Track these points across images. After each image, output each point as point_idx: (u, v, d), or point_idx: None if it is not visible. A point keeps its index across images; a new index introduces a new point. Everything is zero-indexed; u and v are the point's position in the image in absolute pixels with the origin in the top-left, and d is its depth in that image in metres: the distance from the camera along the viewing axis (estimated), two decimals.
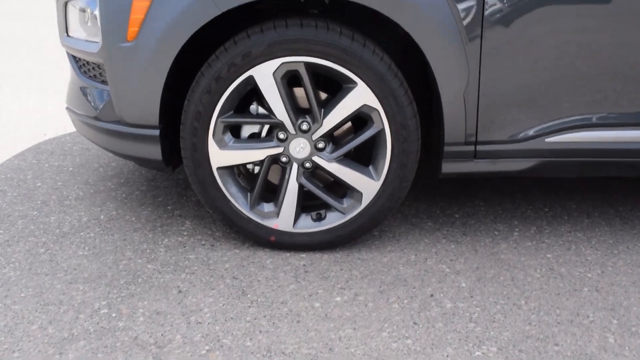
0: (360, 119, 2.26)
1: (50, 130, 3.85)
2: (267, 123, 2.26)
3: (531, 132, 2.21)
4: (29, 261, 2.32)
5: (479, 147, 2.24)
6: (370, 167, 2.29)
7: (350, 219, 2.32)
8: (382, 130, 2.21)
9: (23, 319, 1.98)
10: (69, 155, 3.42)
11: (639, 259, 2.33)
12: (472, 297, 2.10)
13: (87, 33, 2.37)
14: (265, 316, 2.00)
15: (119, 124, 2.32)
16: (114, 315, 2.01)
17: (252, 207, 2.33)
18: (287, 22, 2.11)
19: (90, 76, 2.47)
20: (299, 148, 2.26)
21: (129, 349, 1.85)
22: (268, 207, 2.35)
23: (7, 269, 2.26)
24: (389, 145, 2.22)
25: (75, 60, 2.57)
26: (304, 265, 2.30)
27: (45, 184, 3.03)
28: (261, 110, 2.27)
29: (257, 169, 2.34)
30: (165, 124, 2.29)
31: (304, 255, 2.36)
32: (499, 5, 2.06)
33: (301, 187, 2.31)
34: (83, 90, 2.50)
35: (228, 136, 2.27)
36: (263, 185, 2.32)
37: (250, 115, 2.29)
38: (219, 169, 2.28)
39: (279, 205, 2.32)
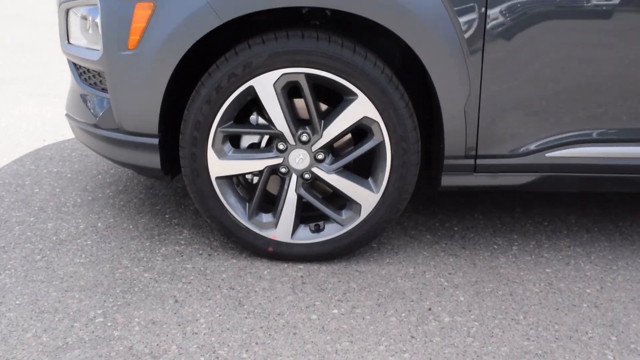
0: (360, 130, 2.25)
1: (49, 136, 3.85)
2: (266, 133, 2.26)
3: (532, 147, 2.21)
4: (25, 268, 2.31)
5: (479, 161, 2.24)
6: (370, 179, 2.28)
7: (349, 230, 2.31)
8: (382, 143, 2.20)
9: (17, 327, 1.97)
10: (67, 161, 3.41)
11: (638, 275, 2.32)
12: (470, 311, 2.09)
13: (88, 40, 2.37)
14: (261, 327, 1.99)
15: (118, 132, 2.32)
16: (109, 324, 1.99)
17: (250, 217, 2.32)
18: (289, 33, 2.11)
19: (90, 84, 2.46)
20: (299, 159, 2.25)
21: (124, 359, 1.83)
22: (266, 217, 2.34)
23: (3, 276, 2.25)
24: (388, 157, 2.21)
25: (75, 67, 2.57)
26: (302, 276, 2.29)
27: (43, 190, 3.02)
28: (261, 120, 2.27)
29: (256, 179, 2.34)
30: (164, 133, 2.29)
31: (301, 266, 2.35)
32: (500, 19, 2.06)
33: (300, 198, 2.30)
34: (83, 98, 2.49)
35: (227, 146, 2.27)
36: (262, 195, 2.31)
37: (250, 125, 2.28)
38: (217, 178, 2.28)
39: (277, 215, 2.32)
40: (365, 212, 2.29)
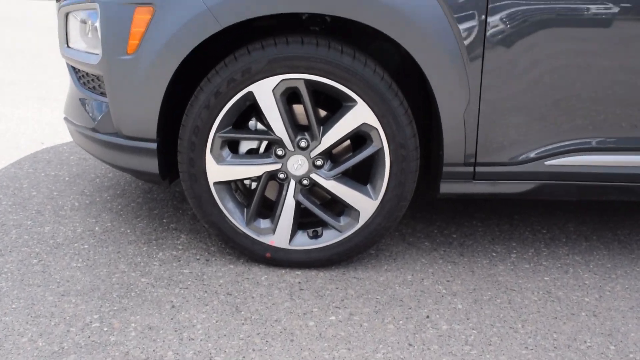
0: (359, 137, 2.25)
1: (47, 140, 3.84)
2: (265, 139, 2.25)
3: (531, 155, 2.20)
4: (22, 272, 2.30)
5: (478, 169, 2.23)
6: (368, 186, 2.28)
7: (347, 237, 2.30)
8: (381, 149, 2.20)
9: (13, 331, 1.96)
10: (65, 164, 3.41)
11: (637, 284, 2.32)
12: (468, 319, 2.08)
13: (87, 44, 2.37)
14: (258, 334, 1.98)
15: (116, 136, 2.31)
16: (105, 329, 1.98)
17: (248, 223, 2.32)
18: (288, 39, 2.10)
19: (89, 87, 2.46)
20: (297, 165, 2.25)
21: None
22: (264, 223, 2.33)
23: None
24: (387, 164, 2.21)
25: (74, 71, 2.57)
26: (299, 282, 2.28)
27: (41, 193, 3.01)
28: (260, 126, 2.26)
29: (254, 184, 2.33)
30: (162, 138, 2.28)
31: (299, 272, 2.34)
32: (500, 27, 2.06)
33: (298, 204, 2.30)
34: (82, 102, 2.49)
35: (226, 151, 2.26)
36: (260, 201, 2.31)
37: (248, 131, 2.28)
38: (216, 184, 2.27)
39: (275, 221, 2.31)
40: (363, 219, 2.28)
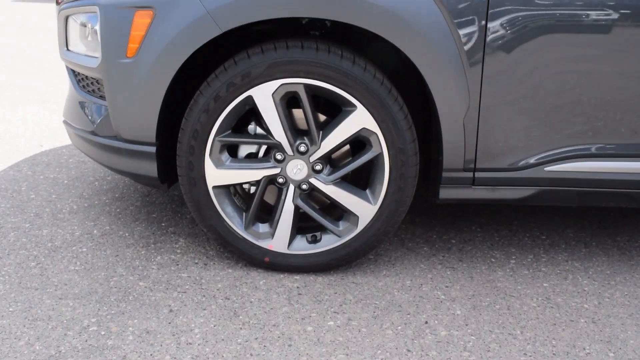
0: (359, 142, 2.25)
1: (47, 142, 3.84)
2: (264, 143, 2.25)
3: (531, 161, 2.20)
4: (19, 275, 2.30)
5: (478, 174, 2.23)
6: (367, 191, 2.28)
7: (346, 242, 2.30)
8: (381, 154, 2.20)
9: (10, 334, 1.95)
10: (64, 167, 3.40)
11: (637, 291, 2.31)
12: (467, 325, 2.08)
13: (87, 48, 2.37)
14: (256, 339, 1.97)
15: (115, 140, 2.31)
16: (103, 333, 1.98)
17: (247, 227, 2.31)
18: (288, 43, 2.10)
19: (88, 91, 2.46)
20: (296, 169, 2.24)
21: None
22: (263, 227, 2.33)
23: None
24: (386, 169, 2.20)
25: (74, 74, 2.57)
26: (298, 287, 2.27)
27: (40, 196, 3.00)
28: (259, 130, 2.26)
29: (253, 189, 2.33)
30: (161, 141, 2.28)
31: (297, 277, 2.34)
32: (501, 32, 2.06)
33: (297, 208, 2.29)
34: (81, 105, 2.49)
35: (225, 155, 2.26)
36: (259, 205, 2.30)
37: (248, 135, 2.27)
38: (214, 188, 2.27)
39: (274, 226, 2.30)
40: (362, 224, 2.27)
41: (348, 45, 2.20)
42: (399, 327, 2.05)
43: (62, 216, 2.79)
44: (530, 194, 2.26)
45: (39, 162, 3.48)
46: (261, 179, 2.26)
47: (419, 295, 2.24)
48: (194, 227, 2.72)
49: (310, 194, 2.32)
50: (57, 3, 2.65)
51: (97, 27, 2.22)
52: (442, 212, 2.94)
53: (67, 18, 2.48)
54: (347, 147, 2.32)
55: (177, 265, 2.40)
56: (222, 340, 1.96)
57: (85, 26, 2.35)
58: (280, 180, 2.27)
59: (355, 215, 2.27)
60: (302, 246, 2.33)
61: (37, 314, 2.06)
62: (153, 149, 2.25)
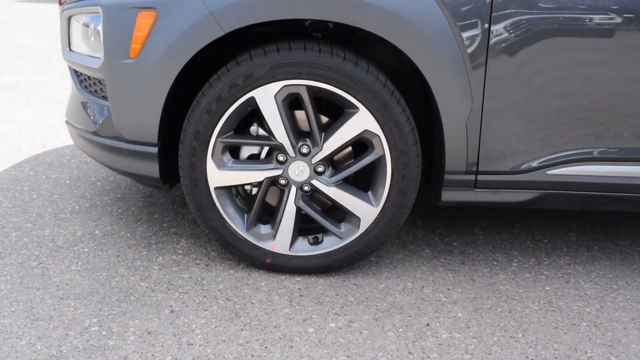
0: (361, 144, 2.24)
1: (49, 142, 3.84)
2: (266, 145, 2.25)
3: (534, 164, 2.20)
4: (21, 274, 2.30)
5: (480, 177, 2.23)
6: (369, 193, 2.27)
7: (348, 244, 2.30)
8: (383, 156, 2.19)
9: (12, 334, 1.95)
10: (66, 168, 3.40)
11: (639, 295, 2.31)
12: (468, 327, 2.07)
13: (89, 48, 2.37)
14: (257, 340, 1.97)
15: (117, 140, 2.31)
16: (104, 333, 1.97)
17: (248, 228, 2.31)
18: (291, 45, 2.10)
19: (90, 91, 2.46)
20: (298, 171, 2.24)
21: None
22: (265, 229, 2.33)
23: None
24: (389, 171, 2.20)
25: (76, 74, 2.57)
26: (299, 289, 2.27)
27: (42, 196, 3.00)
28: (261, 131, 2.26)
29: (255, 190, 2.33)
30: (163, 142, 2.28)
31: (299, 278, 2.34)
32: (504, 35, 2.05)
33: (299, 210, 2.29)
34: (83, 105, 2.49)
35: (227, 156, 2.26)
36: (260, 206, 2.30)
37: (250, 136, 2.27)
38: (216, 189, 2.27)
39: (275, 227, 2.30)
40: (364, 226, 2.27)
41: (351, 47, 2.20)
42: (401, 329, 2.05)
43: (64, 216, 2.79)
44: (533, 198, 2.26)
45: (41, 162, 3.48)
46: (263, 181, 2.26)
47: (420, 298, 2.24)
48: (196, 228, 2.72)
49: (312, 196, 2.32)
50: (60, 3, 2.65)
51: (100, 28, 2.22)
52: (444, 215, 2.93)
53: (69, 18, 2.48)
54: (349, 149, 2.32)
55: (179, 265, 2.40)
56: (224, 341, 1.96)
57: (88, 26, 2.35)
58: (282, 181, 2.27)
59: (357, 217, 2.27)
60: (303, 248, 2.33)
61: (39, 314, 2.06)
62: (155, 150, 2.25)
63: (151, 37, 2.11)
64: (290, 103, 2.20)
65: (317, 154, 2.22)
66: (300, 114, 2.26)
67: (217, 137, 2.19)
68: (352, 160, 2.30)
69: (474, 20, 2.05)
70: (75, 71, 2.57)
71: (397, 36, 2.06)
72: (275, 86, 2.13)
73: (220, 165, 2.24)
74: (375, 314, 2.13)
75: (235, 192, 2.38)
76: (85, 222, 2.74)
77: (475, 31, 2.06)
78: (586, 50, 2.08)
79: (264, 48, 2.11)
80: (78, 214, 2.82)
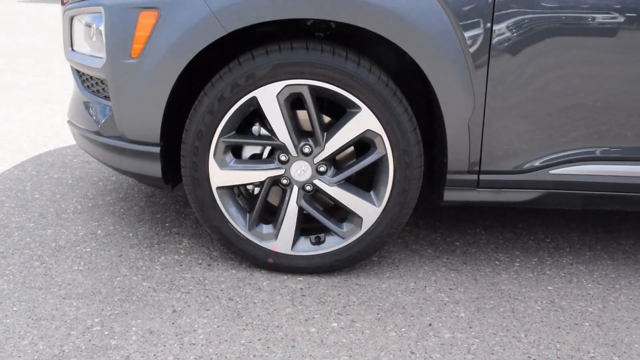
0: (363, 143, 2.24)
1: (51, 142, 3.84)
2: (269, 145, 2.24)
3: (536, 164, 2.20)
4: (23, 274, 2.30)
5: (482, 177, 2.23)
6: (372, 193, 2.27)
7: (350, 243, 2.29)
8: (385, 156, 2.19)
9: (14, 334, 1.95)
10: (69, 167, 3.40)
11: None
12: (471, 327, 2.07)
13: (91, 48, 2.37)
14: (260, 340, 1.97)
15: (119, 140, 2.31)
16: (106, 333, 1.98)
17: (250, 228, 2.31)
18: (293, 44, 2.10)
19: (93, 91, 2.46)
20: (300, 171, 2.24)
21: None
22: (267, 228, 2.33)
23: (1, 281, 2.24)
24: (391, 171, 2.20)
25: (78, 74, 2.57)
26: (301, 288, 2.27)
27: (44, 196, 3.01)
28: (263, 131, 2.26)
29: (257, 190, 2.33)
30: (166, 142, 2.28)
31: (301, 278, 2.34)
32: (506, 34, 2.05)
33: (301, 209, 2.29)
34: (85, 105, 2.49)
35: (229, 156, 2.26)
36: (262, 206, 2.30)
37: (252, 136, 2.27)
38: (218, 188, 2.27)
39: (278, 227, 2.30)
40: (366, 226, 2.27)
41: (353, 47, 2.20)
42: (403, 329, 2.05)
43: (66, 216, 2.79)
44: (535, 197, 2.26)
45: (43, 162, 3.49)
46: (265, 180, 2.26)
47: (422, 298, 2.24)
48: (198, 227, 2.72)
49: (314, 196, 2.32)
50: (62, 3, 2.65)
51: (102, 28, 2.22)
52: (446, 215, 2.93)
53: (72, 18, 2.48)
54: (352, 148, 2.32)
55: (181, 265, 2.40)
56: (226, 341, 1.96)
57: (90, 26, 2.35)
58: (284, 181, 2.27)
59: (359, 217, 2.27)
60: (305, 247, 2.33)
61: (41, 314, 2.06)
62: (157, 150, 2.25)
63: (153, 37, 2.11)
64: (292, 103, 2.20)
65: (319, 153, 2.22)
66: (302, 114, 2.26)
67: (220, 136, 2.19)
68: (354, 160, 2.30)
69: (476, 20, 2.05)
70: (78, 71, 2.57)
71: (399, 36, 2.06)
72: (277, 86, 2.13)
73: (223, 165, 2.24)
74: (378, 314, 2.13)
75: (238, 192, 2.38)
76: (88, 222, 2.74)
77: (478, 30, 2.05)
78: (588, 49, 2.07)
79: (266, 48, 2.11)
80: (80, 214, 2.82)
